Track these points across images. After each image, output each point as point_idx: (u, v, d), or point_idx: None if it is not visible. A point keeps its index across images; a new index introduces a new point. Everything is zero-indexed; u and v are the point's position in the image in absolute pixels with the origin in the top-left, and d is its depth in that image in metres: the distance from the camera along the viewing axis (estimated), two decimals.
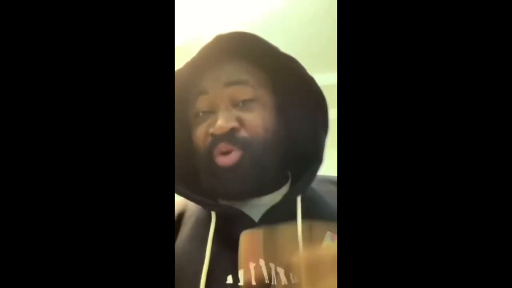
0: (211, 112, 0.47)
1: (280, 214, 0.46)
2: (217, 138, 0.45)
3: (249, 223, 0.46)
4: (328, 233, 0.45)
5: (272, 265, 0.43)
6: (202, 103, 0.48)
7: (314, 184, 0.50)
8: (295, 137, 0.51)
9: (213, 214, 0.48)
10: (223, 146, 0.45)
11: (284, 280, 0.42)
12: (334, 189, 0.54)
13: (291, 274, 0.42)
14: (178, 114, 0.50)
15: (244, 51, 0.48)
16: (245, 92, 0.46)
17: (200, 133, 0.48)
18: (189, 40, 1.88)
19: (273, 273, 0.42)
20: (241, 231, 0.45)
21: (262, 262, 0.43)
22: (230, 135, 0.45)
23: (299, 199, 0.48)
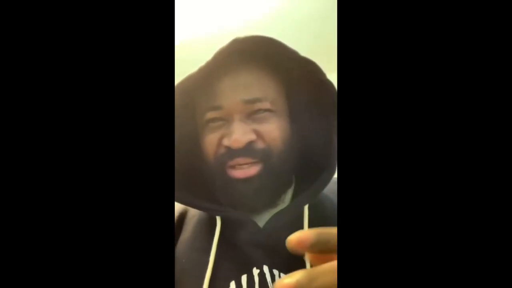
0: (223, 120, 0.44)
1: (286, 219, 0.45)
2: (232, 151, 0.43)
3: (255, 228, 0.45)
4: None
5: (276, 272, 0.42)
6: (214, 115, 0.45)
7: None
8: (307, 144, 0.49)
9: (218, 219, 0.47)
10: (241, 160, 0.43)
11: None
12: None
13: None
14: (185, 119, 0.48)
15: (262, 57, 0.45)
16: (262, 106, 0.44)
17: (211, 142, 0.45)
18: (189, 39, 1.88)
19: (277, 280, 0.42)
20: (246, 236, 0.44)
21: (266, 268, 0.42)
22: (247, 149, 0.42)
23: (306, 207, 0.47)
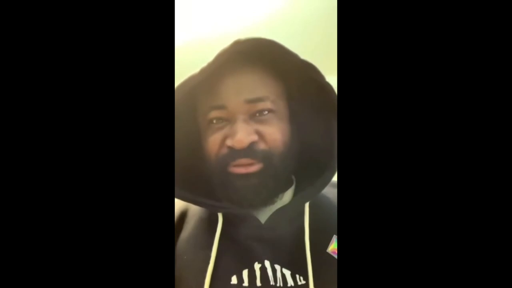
0: (226, 120, 0.45)
1: (287, 216, 0.46)
2: (235, 152, 0.44)
3: (256, 224, 0.46)
4: (335, 236, 0.45)
5: (278, 267, 0.43)
6: (217, 114, 0.46)
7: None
8: (307, 146, 0.50)
9: (220, 216, 0.47)
10: (244, 161, 0.44)
11: (290, 282, 0.42)
12: (335, 191, 0.54)
13: (297, 276, 0.42)
14: (187, 119, 0.49)
15: (263, 59, 0.46)
16: (264, 106, 0.45)
17: (214, 142, 0.46)
18: (189, 41, 1.88)
19: (278, 275, 0.42)
20: (247, 231, 0.45)
21: (267, 263, 0.43)
22: (250, 149, 0.43)
23: (307, 205, 0.48)
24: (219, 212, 0.48)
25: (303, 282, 0.42)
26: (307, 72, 0.45)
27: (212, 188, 0.48)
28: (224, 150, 0.45)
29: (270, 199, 0.47)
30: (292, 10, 1.78)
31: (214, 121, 0.46)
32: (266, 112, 0.45)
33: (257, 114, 0.45)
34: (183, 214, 0.52)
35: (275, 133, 0.45)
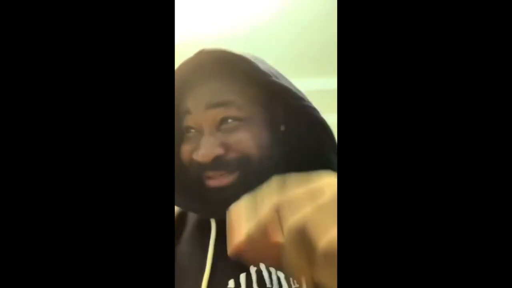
0: (197, 130, 0.45)
1: None
2: (202, 165, 0.43)
3: None
4: None
5: (272, 270, 0.43)
6: (188, 122, 0.46)
7: None
8: (301, 154, 0.49)
9: (213, 222, 0.47)
10: (210, 174, 0.44)
11: (285, 285, 0.42)
12: None
13: (291, 279, 0.42)
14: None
15: (229, 70, 0.45)
16: (228, 113, 0.44)
17: (185, 153, 0.46)
18: (189, 40, 1.88)
19: (273, 278, 0.42)
20: None
21: (262, 266, 0.43)
22: (216, 162, 0.43)
23: None
24: (212, 218, 0.47)
25: (297, 285, 0.42)
26: (279, 94, 0.45)
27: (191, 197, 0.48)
28: (194, 163, 0.45)
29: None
30: (292, 11, 1.79)
31: (190, 131, 0.46)
32: (231, 120, 0.44)
33: (223, 125, 0.44)
34: (183, 217, 0.52)
35: (244, 141, 0.44)
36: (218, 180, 0.44)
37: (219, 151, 0.43)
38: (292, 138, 0.49)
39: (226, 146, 0.44)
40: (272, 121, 0.48)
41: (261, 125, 0.46)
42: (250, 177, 0.43)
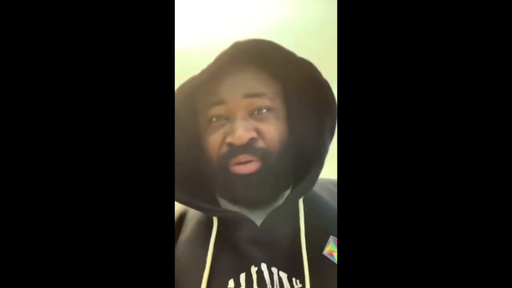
0: (226, 118, 0.46)
1: (282, 217, 0.46)
2: (235, 148, 0.44)
3: (252, 227, 0.46)
4: (332, 237, 0.45)
5: (274, 270, 0.42)
6: (217, 111, 0.46)
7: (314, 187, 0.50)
8: (303, 145, 0.50)
9: (215, 219, 0.47)
10: (243, 157, 0.44)
11: (287, 285, 0.41)
12: (333, 189, 0.54)
13: (293, 279, 0.42)
14: (187, 121, 0.50)
15: (262, 59, 0.47)
16: (262, 103, 0.46)
17: (215, 141, 0.46)
18: (189, 45, 1.89)
19: (275, 278, 0.42)
20: (243, 235, 0.45)
21: (264, 266, 0.42)
22: (249, 146, 0.44)
23: (301, 201, 0.48)
24: (215, 216, 0.47)
25: (300, 285, 0.41)
26: (304, 69, 0.46)
27: (212, 190, 0.49)
28: (225, 148, 0.46)
29: (271, 199, 0.47)
30: (292, 16, 1.80)
31: (214, 120, 0.47)
32: (265, 110, 0.46)
33: (256, 112, 0.46)
34: (182, 217, 0.52)
35: (273, 132, 0.46)
36: (246, 166, 0.44)
37: (254, 134, 0.45)
38: (301, 131, 0.50)
39: (259, 132, 0.45)
40: (291, 118, 0.49)
41: (283, 120, 0.48)
42: (269, 170, 0.44)
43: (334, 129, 0.48)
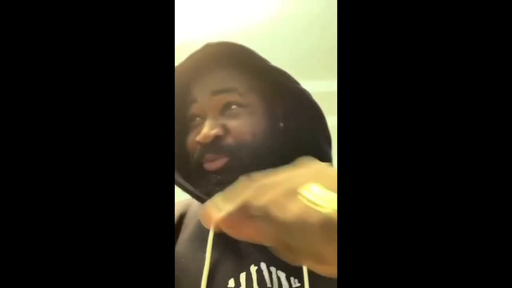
0: (202, 118, 0.48)
1: None
2: (204, 147, 0.46)
3: None
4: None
5: (273, 269, 0.43)
6: (194, 110, 0.48)
7: None
8: (295, 145, 0.50)
9: None
10: (209, 156, 0.46)
11: (285, 284, 0.41)
12: None
13: (292, 278, 0.42)
14: (177, 117, 0.50)
15: (232, 60, 0.48)
16: (231, 99, 0.47)
17: (191, 140, 0.49)
18: (189, 41, 1.88)
19: (274, 277, 0.42)
20: None
21: (263, 266, 0.43)
22: (215, 144, 0.46)
23: None
24: None
25: (298, 284, 0.42)
26: (278, 79, 0.47)
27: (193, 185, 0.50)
28: (197, 147, 0.47)
29: None
30: (292, 13, 1.79)
31: (195, 119, 0.49)
32: (234, 106, 0.47)
33: (226, 110, 0.47)
34: (182, 217, 0.52)
35: (242, 126, 0.47)
36: (214, 163, 0.46)
37: (219, 131, 0.46)
38: (289, 129, 0.51)
39: (225, 129, 0.46)
40: (271, 113, 0.50)
41: (259, 115, 0.49)
42: (239, 165, 0.45)
43: (329, 136, 0.49)
